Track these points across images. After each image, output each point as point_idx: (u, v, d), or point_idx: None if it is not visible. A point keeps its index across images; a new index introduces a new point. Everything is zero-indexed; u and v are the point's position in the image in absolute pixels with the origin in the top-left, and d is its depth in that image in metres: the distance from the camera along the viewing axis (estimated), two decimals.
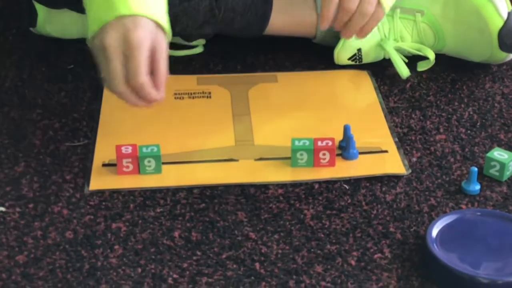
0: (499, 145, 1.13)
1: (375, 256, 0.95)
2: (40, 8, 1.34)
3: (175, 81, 1.27)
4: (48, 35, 1.37)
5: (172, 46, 1.34)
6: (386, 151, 1.12)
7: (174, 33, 1.29)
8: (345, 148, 1.10)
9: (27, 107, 1.21)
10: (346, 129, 1.10)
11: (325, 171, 1.08)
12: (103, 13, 1.02)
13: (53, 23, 1.35)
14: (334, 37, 1.31)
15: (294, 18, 1.31)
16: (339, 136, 1.11)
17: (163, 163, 1.07)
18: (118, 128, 1.16)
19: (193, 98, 1.23)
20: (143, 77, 1.01)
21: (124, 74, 1.01)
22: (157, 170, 1.06)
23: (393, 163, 1.10)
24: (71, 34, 1.37)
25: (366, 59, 1.30)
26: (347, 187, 1.06)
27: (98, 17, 1.02)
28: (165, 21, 1.05)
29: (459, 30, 1.29)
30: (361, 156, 1.10)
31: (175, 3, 1.20)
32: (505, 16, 1.26)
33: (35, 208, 1.02)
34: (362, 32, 1.21)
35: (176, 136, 1.14)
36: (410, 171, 1.09)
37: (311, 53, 1.35)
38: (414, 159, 1.11)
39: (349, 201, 1.04)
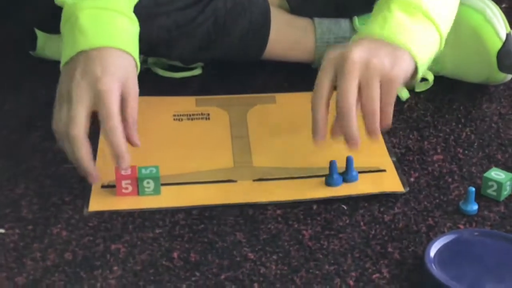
0: (497, 165, 1.14)
1: (374, 276, 0.95)
2: (40, 33, 1.35)
3: (174, 102, 1.28)
4: (47, 58, 1.38)
5: (171, 68, 1.36)
6: (384, 170, 1.12)
7: (172, 58, 1.31)
8: (346, 171, 1.10)
9: (26, 130, 1.21)
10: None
11: (324, 191, 1.08)
12: (69, 48, 1.02)
13: (52, 47, 1.36)
14: None
15: (293, 43, 1.31)
16: (337, 157, 1.11)
17: (162, 184, 1.07)
18: None
19: (192, 119, 1.24)
20: (116, 120, 1.00)
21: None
22: (156, 192, 1.07)
23: (391, 181, 1.10)
24: None
25: None
26: (345, 208, 1.06)
27: (64, 53, 1.03)
28: (132, 50, 1.04)
29: (458, 52, 1.30)
30: (359, 175, 1.10)
31: (172, 28, 1.21)
32: (503, 37, 1.27)
33: (34, 229, 1.02)
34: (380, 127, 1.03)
35: (175, 158, 1.15)
36: (408, 189, 1.09)
37: (310, 74, 1.34)
38: (412, 179, 1.11)
39: (348, 221, 1.04)
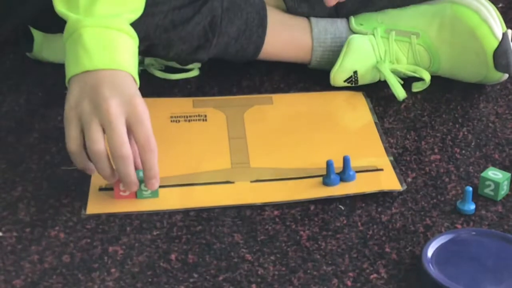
0: (494, 165, 1.14)
1: (371, 276, 0.95)
2: (36, 33, 1.35)
3: (171, 104, 1.28)
4: (44, 60, 1.38)
5: (168, 69, 1.36)
6: (381, 170, 1.12)
7: (168, 58, 1.30)
8: (342, 171, 1.10)
9: (24, 132, 1.21)
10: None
11: (321, 191, 1.08)
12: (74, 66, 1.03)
13: (49, 48, 1.36)
14: (329, 63, 1.31)
15: (289, 43, 1.32)
16: (334, 156, 1.11)
17: (160, 186, 1.07)
18: None
19: (189, 121, 1.24)
20: (127, 148, 0.99)
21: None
22: (154, 195, 1.07)
23: (388, 180, 1.11)
24: None
25: (362, 81, 1.31)
26: (342, 208, 1.06)
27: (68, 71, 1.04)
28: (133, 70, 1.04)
29: (455, 52, 1.30)
30: (357, 175, 1.11)
31: (169, 28, 1.21)
32: (499, 36, 1.27)
33: (32, 232, 1.02)
34: None
35: (172, 159, 1.15)
36: (405, 187, 1.09)
37: (306, 75, 1.36)
38: (409, 179, 1.11)
39: (345, 221, 1.04)
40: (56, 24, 1.10)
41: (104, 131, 0.99)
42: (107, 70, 1.01)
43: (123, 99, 1.00)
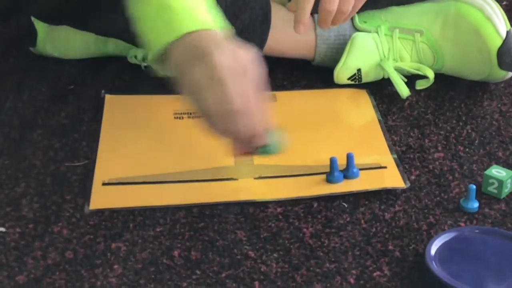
0: (497, 163, 1.14)
1: (374, 274, 0.95)
2: (40, 27, 1.35)
3: (175, 101, 1.27)
4: (48, 55, 1.38)
5: None
6: (385, 167, 1.12)
7: None
8: (346, 168, 1.10)
9: (27, 128, 1.21)
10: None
11: (325, 188, 1.08)
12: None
13: (53, 42, 1.36)
14: (333, 60, 1.31)
15: (293, 40, 1.31)
16: (338, 154, 1.11)
17: (163, 182, 1.07)
18: (118, 148, 1.16)
19: (192, 118, 1.23)
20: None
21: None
22: (274, 149, 1.02)
23: (392, 177, 1.10)
24: (71, 53, 1.38)
25: (365, 79, 1.31)
26: (345, 205, 1.06)
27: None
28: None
29: (458, 50, 1.30)
30: (360, 172, 1.10)
31: None
32: (503, 34, 1.27)
33: (35, 228, 1.02)
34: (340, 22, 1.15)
35: (175, 156, 1.15)
36: (409, 184, 1.09)
37: (310, 72, 1.35)
38: (413, 177, 1.11)
39: (348, 219, 1.04)
40: (60, 15, 1.09)
41: None
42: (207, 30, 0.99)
43: None
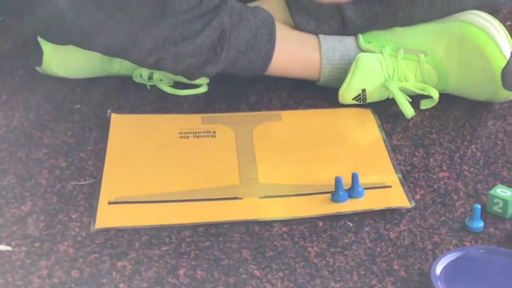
0: (502, 183, 1.14)
1: None
2: (46, 46, 1.35)
3: (180, 120, 1.28)
4: (54, 75, 1.38)
5: (177, 85, 1.36)
6: (389, 186, 1.13)
7: (177, 72, 1.31)
8: (351, 187, 1.10)
9: (33, 147, 1.22)
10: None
11: (330, 207, 1.08)
12: None
13: (59, 62, 1.36)
14: (338, 80, 1.32)
15: (297, 60, 1.32)
16: (343, 173, 1.11)
17: (168, 201, 1.08)
18: (124, 167, 1.16)
19: (198, 137, 1.24)
20: None
21: None
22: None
23: (397, 197, 1.11)
24: (77, 73, 1.38)
25: (370, 99, 1.31)
26: (350, 225, 1.06)
27: None
28: None
29: (463, 70, 1.30)
30: (365, 192, 1.11)
31: (178, 41, 1.22)
32: (508, 55, 1.27)
33: (41, 246, 1.02)
34: None
35: (181, 175, 1.15)
36: (414, 204, 1.09)
37: (315, 91, 1.36)
38: (418, 197, 1.12)
39: (353, 238, 1.04)
40: (65, 35, 1.08)
41: None
42: None
43: None
